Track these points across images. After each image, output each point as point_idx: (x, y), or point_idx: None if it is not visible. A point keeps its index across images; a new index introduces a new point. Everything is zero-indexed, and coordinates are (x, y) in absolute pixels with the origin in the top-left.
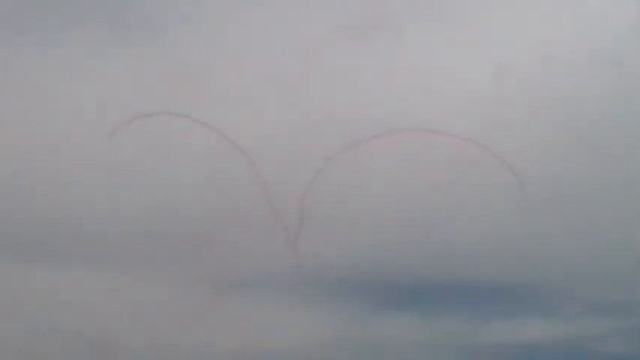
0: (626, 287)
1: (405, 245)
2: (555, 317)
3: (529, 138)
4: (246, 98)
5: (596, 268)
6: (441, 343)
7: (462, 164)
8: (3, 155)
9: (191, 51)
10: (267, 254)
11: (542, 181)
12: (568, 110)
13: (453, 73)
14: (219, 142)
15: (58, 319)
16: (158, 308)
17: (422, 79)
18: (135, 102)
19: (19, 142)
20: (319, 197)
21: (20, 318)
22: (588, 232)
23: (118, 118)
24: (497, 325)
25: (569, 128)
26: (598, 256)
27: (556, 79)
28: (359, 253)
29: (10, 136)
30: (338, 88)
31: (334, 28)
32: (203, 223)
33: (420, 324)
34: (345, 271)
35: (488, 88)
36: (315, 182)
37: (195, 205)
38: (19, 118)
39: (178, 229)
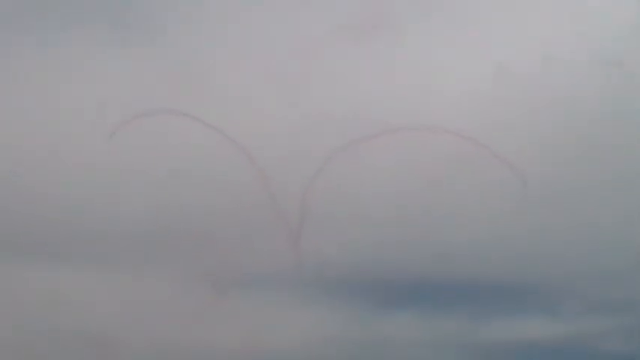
0: (626, 286)
1: (405, 244)
2: (555, 316)
3: (529, 137)
4: (247, 97)
5: (596, 267)
6: (442, 342)
7: (461, 162)
8: (3, 155)
9: (191, 51)
10: (269, 252)
11: (542, 180)
12: (568, 110)
13: (453, 72)
14: (219, 140)
15: (59, 319)
16: (159, 307)
17: (422, 79)
18: (135, 102)
19: (19, 142)
20: (320, 196)
21: (21, 318)
22: (588, 231)
23: (118, 118)
24: (498, 323)
25: (569, 128)
26: (598, 254)
27: (556, 79)
28: (360, 251)
29: (10, 136)
30: (338, 88)
31: (334, 28)
32: (204, 222)
33: (420, 322)
34: (346, 269)
35: (488, 87)
36: (316, 181)
37: (197, 204)
38: (19, 118)
39: (179, 227)
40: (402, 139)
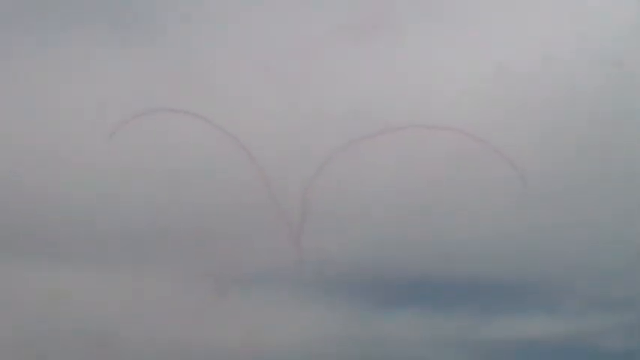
0: (627, 284)
1: (406, 242)
2: (556, 314)
3: (529, 137)
4: (247, 97)
5: (596, 265)
6: (442, 341)
7: (462, 161)
8: (3, 155)
9: (191, 51)
10: (269, 251)
11: (542, 179)
12: (568, 110)
13: (454, 72)
14: (220, 140)
15: (59, 319)
16: (160, 306)
17: (422, 79)
18: (135, 102)
19: (19, 142)
20: (321, 193)
21: (21, 317)
22: (588, 230)
23: (118, 118)
24: (498, 322)
25: (569, 127)
26: (598, 253)
27: (556, 79)
28: (360, 250)
29: (10, 136)
30: (339, 87)
31: (334, 28)
32: (205, 221)
33: (421, 321)
34: (347, 267)
35: (488, 87)
36: (317, 179)
37: (197, 203)
38: (19, 118)
39: (180, 226)
40: (403, 138)
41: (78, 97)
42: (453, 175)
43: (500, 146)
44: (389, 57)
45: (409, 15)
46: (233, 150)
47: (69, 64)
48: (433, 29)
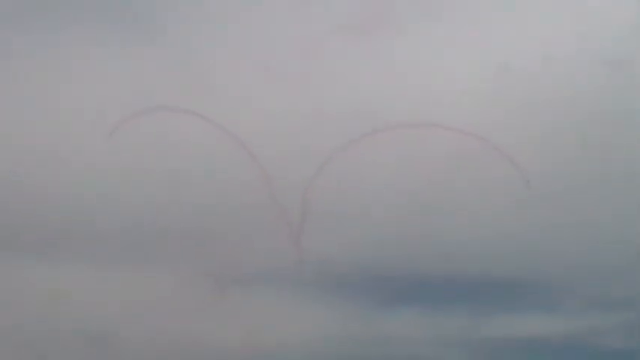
0: (627, 283)
1: (406, 242)
2: (556, 313)
3: (529, 136)
4: (248, 96)
5: (596, 265)
6: (443, 339)
7: (462, 160)
8: (3, 155)
9: (192, 50)
10: (270, 251)
11: (542, 179)
12: (568, 109)
13: (454, 72)
14: (221, 139)
15: (60, 318)
16: (160, 305)
17: (422, 79)
18: (136, 101)
19: (19, 142)
20: (322, 192)
21: (22, 317)
22: (588, 229)
23: (118, 117)
24: (499, 320)
25: (569, 127)
26: (598, 252)
27: (556, 78)
28: (361, 249)
29: (10, 136)
30: (339, 86)
31: (335, 28)
32: (205, 220)
33: (421, 320)
34: (347, 267)
35: (488, 87)
36: (318, 178)
37: (198, 202)
38: (19, 118)
39: (180, 226)
40: (403, 137)
41: (78, 97)
42: (453, 174)
43: (500, 145)
44: (389, 57)
45: (409, 15)
46: (233, 150)
47: (69, 64)
48: (433, 29)
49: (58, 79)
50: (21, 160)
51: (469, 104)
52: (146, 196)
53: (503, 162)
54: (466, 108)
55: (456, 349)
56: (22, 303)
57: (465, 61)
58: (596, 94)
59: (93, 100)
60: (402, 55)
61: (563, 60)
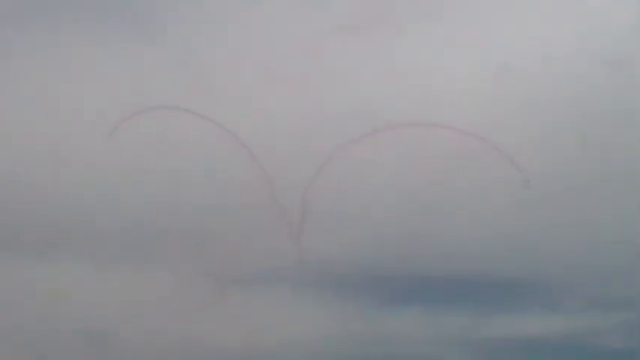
0: (626, 283)
1: (406, 241)
2: (556, 312)
3: (529, 136)
4: (248, 96)
5: (596, 265)
6: (443, 338)
7: (463, 160)
8: (3, 155)
9: (192, 50)
10: (270, 250)
11: (542, 179)
12: (568, 109)
13: (454, 72)
14: (221, 139)
15: (61, 318)
16: (161, 305)
17: (423, 79)
18: (136, 101)
19: (19, 142)
20: (322, 192)
21: (23, 316)
22: (588, 230)
23: (118, 117)
24: (499, 320)
25: (569, 127)
26: (598, 252)
27: (556, 78)
28: (361, 249)
29: (10, 136)
30: (339, 86)
31: (335, 28)
32: (206, 220)
33: (422, 319)
34: (348, 267)
35: (488, 87)
36: (318, 177)
37: (198, 202)
38: (19, 118)
39: (181, 226)
40: (403, 137)
41: (78, 97)
42: (453, 174)
43: (500, 145)
44: (389, 57)
45: (409, 15)
46: (233, 150)
47: (69, 64)
48: (433, 29)
49: (58, 79)
50: (21, 160)
51: (469, 104)
52: (146, 196)
53: (504, 162)
54: (466, 108)
55: (456, 349)
56: (22, 303)
57: (465, 61)
58: (596, 94)
59: (93, 100)
60: (402, 55)
61: (563, 60)
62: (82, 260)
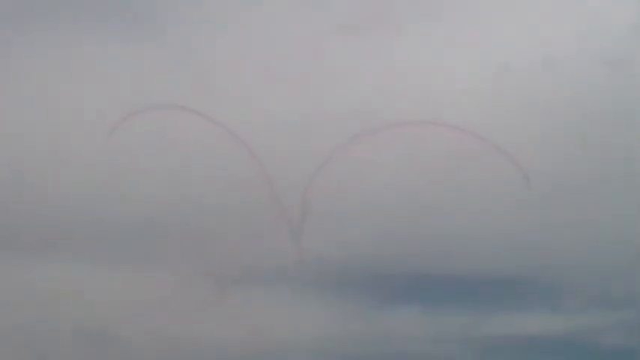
0: (626, 281)
1: (406, 240)
2: (556, 311)
3: (529, 136)
4: (248, 95)
5: (596, 263)
6: (443, 337)
7: (463, 159)
8: (3, 155)
9: (192, 50)
10: (270, 249)
11: (543, 178)
12: (568, 109)
13: (454, 72)
14: (221, 138)
15: (62, 317)
16: (161, 304)
17: (423, 79)
18: (136, 100)
19: (19, 142)
20: (322, 192)
21: (24, 316)
22: (588, 228)
23: (119, 115)
24: (499, 318)
25: (569, 127)
26: (598, 251)
27: (556, 78)
28: (361, 248)
29: (10, 136)
30: (339, 86)
31: (335, 28)
32: (206, 220)
33: (422, 318)
34: (348, 265)
35: (488, 87)
36: (318, 177)
37: (198, 202)
38: (19, 118)
39: (181, 225)
40: (403, 137)
41: (78, 97)
42: (453, 174)
43: (500, 145)
44: (389, 57)
45: (409, 15)
46: (234, 149)
47: (69, 64)
48: (433, 29)
49: (58, 79)
50: (21, 160)
51: (469, 104)
52: (146, 195)
53: (504, 161)
54: (466, 108)
55: (456, 348)
56: (22, 303)
57: (465, 61)
58: (596, 94)
59: (93, 100)
60: (402, 55)
61: (563, 60)
62: (82, 260)
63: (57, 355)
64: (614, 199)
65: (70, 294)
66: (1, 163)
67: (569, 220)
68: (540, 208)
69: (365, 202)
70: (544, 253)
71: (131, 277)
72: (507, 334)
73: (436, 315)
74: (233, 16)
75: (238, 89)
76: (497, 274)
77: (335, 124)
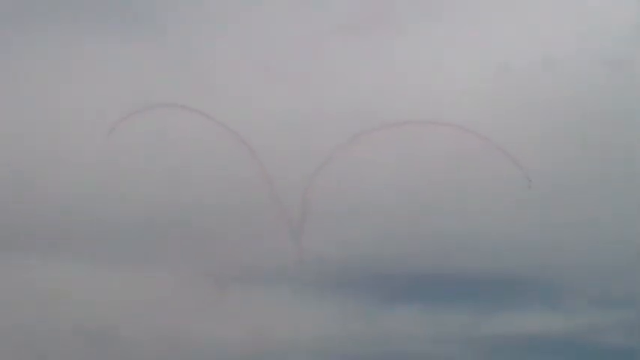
0: (627, 281)
1: (406, 240)
2: (557, 310)
3: (529, 136)
4: (248, 95)
5: (597, 263)
6: (444, 336)
7: (463, 158)
8: (3, 155)
9: (192, 50)
10: (270, 249)
11: (543, 178)
12: (568, 109)
13: (454, 72)
14: (222, 138)
15: (63, 317)
16: (162, 304)
17: (423, 79)
18: (136, 100)
19: (19, 142)
20: (322, 191)
21: (24, 316)
22: (589, 228)
23: (118, 116)
24: (499, 318)
25: (569, 127)
26: (599, 250)
27: (556, 78)
28: (361, 247)
29: (10, 136)
30: (339, 86)
31: (335, 28)
32: (206, 219)
33: (422, 317)
34: (348, 265)
35: (488, 87)
36: (318, 176)
37: (198, 201)
38: (19, 118)
39: (181, 225)
40: (403, 136)
41: (78, 97)
42: (454, 173)
43: (500, 145)
44: (389, 57)
45: (409, 15)
46: (234, 149)
47: (69, 64)
48: (433, 29)
49: (58, 79)
50: (21, 160)
51: (469, 104)
52: (146, 195)
53: (504, 161)
54: (466, 108)
55: (456, 347)
56: (22, 303)
57: (465, 61)
58: (596, 94)
59: (93, 99)
60: (402, 55)
61: (563, 60)
62: (82, 260)
63: (57, 355)
64: (614, 199)
65: (70, 294)
66: (1, 163)
67: (569, 220)
68: (540, 208)
69: (365, 202)
70: (544, 253)
71: (131, 277)
72: (507, 333)
73: (436, 315)
74: (233, 16)
75: (238, 89)
76: (497, 274)
77: (335, 124)
